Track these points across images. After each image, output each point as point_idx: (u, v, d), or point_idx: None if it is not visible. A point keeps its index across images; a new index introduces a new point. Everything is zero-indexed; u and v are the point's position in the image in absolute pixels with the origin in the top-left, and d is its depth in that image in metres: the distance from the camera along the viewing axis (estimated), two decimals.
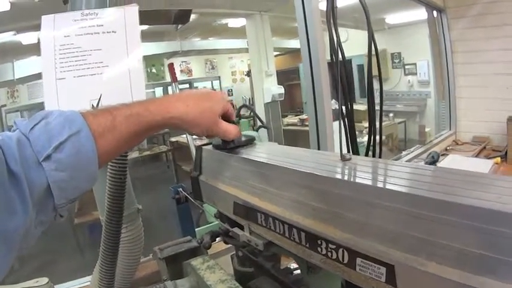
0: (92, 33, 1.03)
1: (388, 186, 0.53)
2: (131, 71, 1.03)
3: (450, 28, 3.57)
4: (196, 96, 0.77)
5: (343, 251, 0.58)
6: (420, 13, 4.95)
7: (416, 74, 7.16)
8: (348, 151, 1.21)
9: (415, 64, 7.09)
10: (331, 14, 1.17)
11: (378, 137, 1.27)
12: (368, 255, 0.53)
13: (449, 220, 0.44)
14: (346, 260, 0.58)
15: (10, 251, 0.50)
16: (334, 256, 0.60)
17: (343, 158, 0.69)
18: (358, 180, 0.59)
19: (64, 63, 1.00)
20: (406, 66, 7.29)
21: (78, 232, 4.33)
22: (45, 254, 4.28)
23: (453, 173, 0.56)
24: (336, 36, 1.16)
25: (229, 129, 0.83)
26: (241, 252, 1.01)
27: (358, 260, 0.55)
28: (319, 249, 0.63)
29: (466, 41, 3.51)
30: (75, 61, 1.01)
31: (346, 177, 0.62)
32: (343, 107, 1.27)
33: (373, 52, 1.21)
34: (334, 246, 0.59)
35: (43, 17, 1.01)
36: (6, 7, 3.96)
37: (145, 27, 6.41)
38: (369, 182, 0.57)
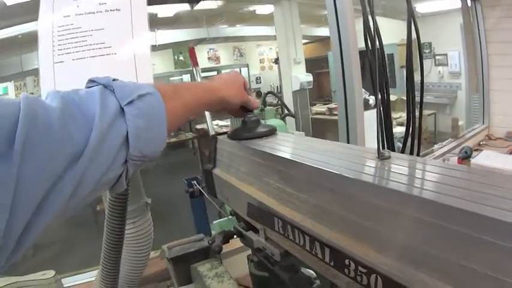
0: (94, 12, 0.94)
1: (443, 200, 0.39)
2: (137, 55, 0.94)
3: (484, 17, 3.38)
4: (226, 77, 0.87)
5: (376, 277, 0.45)
6: (452, 1, 4.74)
7: (447, 64, 6.94)
8: (383, 145, 1.09)
9: (445, 55, 6.88)
10: None
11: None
12: None
13: None
14: None
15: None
16: (365, 281, 0.47)
17: (380, 157, 0.57)
18: (400, 187, 0.44)
19: (62, 45, 0.92)
20: (437, 57, 7.07)
21: (100, 219, 4.31)
22: (67, 239, 4.32)
23: None
24: (373, 21, 1.04)
25: (253, 99, 0.91)
26: (256, 258, 0.90)
27: None
28: (346, 270, 0.50)
29: (501, 31, 3.31)
30: (75, 42, 0.92)
31: (384, 183, 0.47)
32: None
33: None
34: (365, 270, 0.46)
35: None
36: None
37: (171, 12, 6.38)
38: (417, 192, 0.43)
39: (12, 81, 8.56)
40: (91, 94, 0.55)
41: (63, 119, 0.48)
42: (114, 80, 0.60)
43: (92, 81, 0.61)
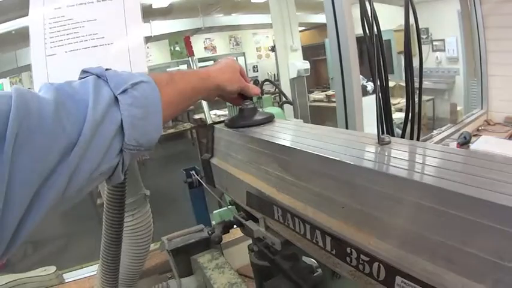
0: (85, 3, 0.92)
1: (447, 185, 0.38)
2: (131, 45, 0.92)
3: (482, 2, 3.32)
4: (221, 64, 0.86)
5: (379, 265, 0.44)
6: None
7: (444, 50, 6.90)
8: (383, 131, 1.08)
9: (443, 40, 6.83)
10: None
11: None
12: (412, 276, 0.40)
13: None
14: (382, 277, 0.44)
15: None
16: (367, 270, 0.46)
17: (381, 142, 0.55)
18: (402, 173, 0.43)
19: (54, 37, 0.91)
20: (434, 43, 7.02)
21: (100, 212, 4.30)
22: (69, 233, 4.32)
23: None
24: (370, 7, 1.03)
25: (252, 85, 0.90)
26: (257, 247, 0.89)
27: (398, 279, 0.42)
28: (348, 259, 0.49)
29: (498, 16, 3.26)
30: (67, 34, 0.91)
31: (385, 168, 0.46)
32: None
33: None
34: (367, 259, 0.45)
35: None
36: None
37: (165, 3, 6.32)
38: (419, 177, 0.41)
39: (8, 78, 8.53)
40: (84, 85, 0.54)
41: (57, 111, 0.47)
42: (107, 69, 0.59)
43: (85, 72, 0.60)
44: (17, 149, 0.41)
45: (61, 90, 0.51)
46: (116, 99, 0.55)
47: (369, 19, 1.03)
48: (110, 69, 0.60)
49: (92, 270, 1.51)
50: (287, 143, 0.65)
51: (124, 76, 0.59)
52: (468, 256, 0.35)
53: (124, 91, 0.56)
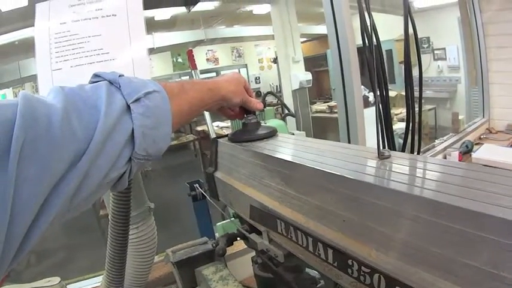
0: (90, 18, 0.94)
1: (444, 199, 0.39)
2: (135, 60, 0.94)
3: (482, 10, 3.34)
4: (228, 76, 0.86)
5: (379, 276, 0.45)
6: None
7: (445, 59, 6.92)
8: (384, 144, 1.08)
9: (444, 49, 6.86)
10: None
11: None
12: (412, 286, 0.41)
13: None
14: None
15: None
16: (368, 281, 0.47)
17: (380, 156, 0.57)
18: (401, 187, 0.44)
19: (60, 52, 0.92)
20: (435, 51, 7.05)
21: (103, 224, 4.31)
22: (72, 244, 4.32)
23: None
24: (369, 18, 1.04)
25: (255, 100, 0.90)
26: (261, 259, 0.89)
27: None
28: (349, 270, 0.50)
29: (498, 24, 3.28)
30: (72, 49, 0.92)
31: (385, 183, 0.47)
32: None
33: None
34: (368, 270, 0.47)
35: (37, 4, 0.95)
36: (24, 3, 3.83)
37: (167, 15, 6.37)
38: (418, 191, 0.42)
39: (11, 88, 8.55)
40: (97, 90, 0.55)
41: (66, 116, 0.47)
42: (120, 75, 0.59)
43: (96, 76, 0.60)
44: (23, 159, 0.41)
45: (72, 94, 0.51)
46: (128, 107, 0.55)
47: (369, 30, 1.04)
48: (123, 75, 0.60)
49: (96, 281, 1.52)
50: (289, 158, 0.66)
51: (137, 84, 0.59)
52: (465, 267, 0.36)
53: (137, 100, 0.56)
